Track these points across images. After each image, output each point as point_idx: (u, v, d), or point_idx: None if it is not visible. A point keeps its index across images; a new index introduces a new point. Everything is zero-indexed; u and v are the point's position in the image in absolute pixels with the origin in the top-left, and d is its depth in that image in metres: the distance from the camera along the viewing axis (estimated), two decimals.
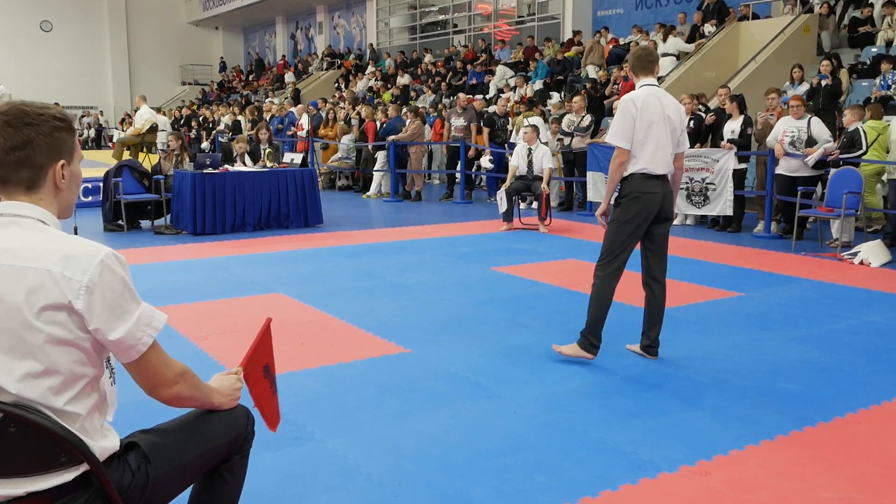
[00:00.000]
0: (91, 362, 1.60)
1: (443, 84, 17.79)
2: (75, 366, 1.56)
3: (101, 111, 29.58)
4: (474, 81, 17.83)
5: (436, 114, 14.52)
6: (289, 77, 25.85)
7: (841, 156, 7.86)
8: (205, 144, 18.02)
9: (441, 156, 14.47)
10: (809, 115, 8.28)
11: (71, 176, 1.67)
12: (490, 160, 11.86)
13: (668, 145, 3.97)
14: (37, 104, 1.63)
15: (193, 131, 19.57)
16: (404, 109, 13.54)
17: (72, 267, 1.53)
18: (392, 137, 12.30)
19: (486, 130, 12.08)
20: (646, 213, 3.95)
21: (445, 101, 16.29)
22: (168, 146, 9.63)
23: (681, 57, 14.04)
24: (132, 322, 1.59)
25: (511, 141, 11.69)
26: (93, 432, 1.62)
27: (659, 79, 13.41)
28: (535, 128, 9.56)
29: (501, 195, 9.15)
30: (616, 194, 4.06)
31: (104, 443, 1.64)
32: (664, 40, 14.46)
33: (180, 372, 1.72)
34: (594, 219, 4.40)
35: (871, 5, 12.90)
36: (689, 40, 14.43)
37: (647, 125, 3.91)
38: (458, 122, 12.50)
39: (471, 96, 15.17)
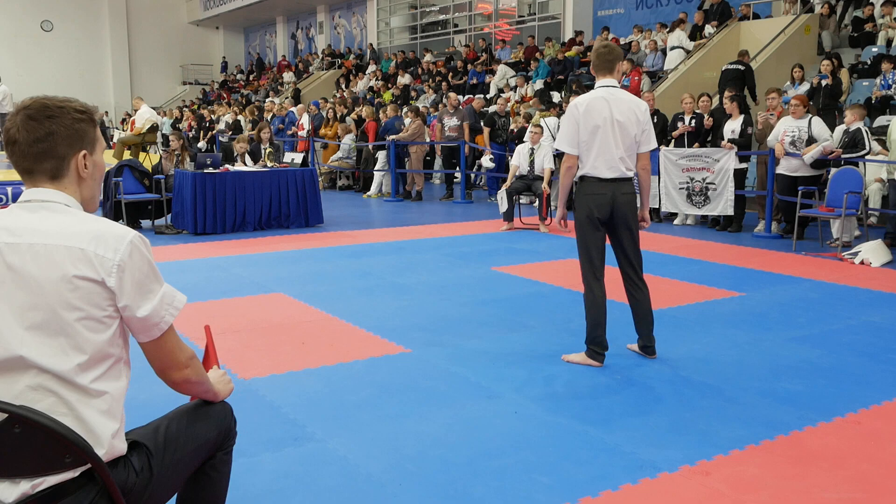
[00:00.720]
0: (117, 343, 1.65)
1: (443, 84, 17.79)
2: (104, 345, 1.62)
3: (107, 112, 29.58)
4: (475, 81, 17.82)
5: (437, 113, 14.52)
6: (287, 77, 25.85)
7: (843, 155, 7.85)
8: (201, 144, 18.00)
9: (438, 156, 14.46)
10: (810, 115, 8.27)
11: (94, 166, 1.73)
12: (491, 159, 11.86)
13: (616, 148, 3.92)
14: (58, 98, 1.70)
15: (192, 131, 19.56)
16: (405, 109, 13.52)
17: (104, 246, 1.60)
18: (392, 137, 12.29)
19: (486, 130, 12.08)
20: (595, 213, 3.94)
21: (446, 100, 16.30)
22: (169, 146, 9.62)
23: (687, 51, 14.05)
24: (157, 300, 1.66)
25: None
26: (118, 417, 1.65)
27: (664, 74, 13.50)
28: (541, 128, 9.62)
29: (502, 195, 9.15)
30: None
31: (117, 442, 1.65)
32: (670, 32, 14.52)
33: (191, 355, 1.79)
34: None
35: (872, 4, 12.90)
36: (690, 39, 14.45)
37: (592, 129, 3.90)
38: (450, 121, 12.48)
39: (470, 96, 15.18)
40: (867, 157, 7.93)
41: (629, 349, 4.25)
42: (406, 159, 12.65)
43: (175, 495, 1.91)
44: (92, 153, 1.71)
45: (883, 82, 10.75)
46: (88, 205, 1.74)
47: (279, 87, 25.39)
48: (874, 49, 12.09)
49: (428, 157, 13.86)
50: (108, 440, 1.61)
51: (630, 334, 4.33)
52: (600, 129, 3.89)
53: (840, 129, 8.34)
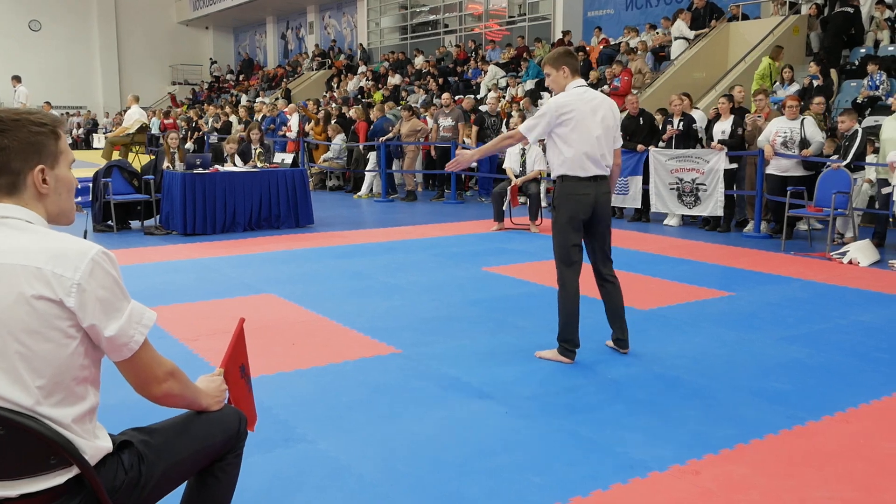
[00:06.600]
0: (80, 364, 1.59)
1: (432, 83, 17.76)
2: (66, 368, 1.56)
3: (107, 112, 29.39)
4: (471, 76, 17.82)
5: (435, 113, 14.52)
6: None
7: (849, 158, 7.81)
8: (189, 145, 17.92)
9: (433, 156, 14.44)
10: (803, 116, 8.31)
11: (56, 180, 1.64)
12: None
13: (599, 147, 3.96)
14: (13, 110, 1.61)
15: (183, 130, 19.48)
16: (399, 107, 13.48)
17: (62, 265, 1.53)
18: (390, 139, 12.25)
19: (474, 129, 12.06)
20: (579, 214, 4.00)
21: (437, 101, 16.29)
22: (167, 143, 9.57)
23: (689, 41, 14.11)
24: (124, 319, 1.59)
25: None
26: (85, 434, 1.61)
27: (666, 61, 13.51)
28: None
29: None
30: (551, 196, 4.15)
31: (98, 443, 1.64)
32: (672, 22, 14.61)
33: (170, 370, 1.73)
34: None
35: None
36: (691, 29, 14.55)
37: (573, 128, 3.92)
38: (445, 122, 12.46)
39: (461, 97, 15.16)
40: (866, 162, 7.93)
41: (607, 346, 4.28)
42: (399, 160, 12.62)
43: (177, 493, 1.89)
44: (53, 167, 1.63)
45: (870, 83, 10.83)
46: (58, 219, 1.67)
47: (265, 91, 25.28)
48: (861, 50, 12.17)
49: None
50: (88, 446, 1.60)
51: (606, 330, 4.34)
52: (583, 126, 3.93)
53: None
